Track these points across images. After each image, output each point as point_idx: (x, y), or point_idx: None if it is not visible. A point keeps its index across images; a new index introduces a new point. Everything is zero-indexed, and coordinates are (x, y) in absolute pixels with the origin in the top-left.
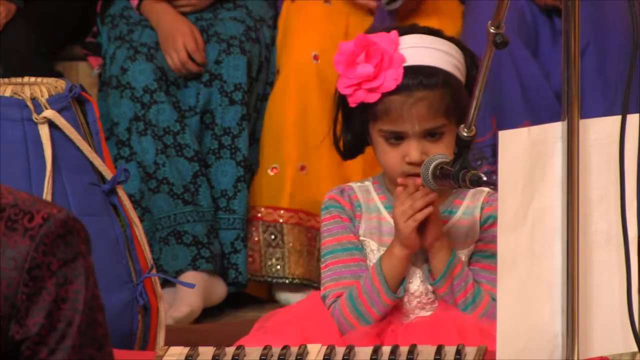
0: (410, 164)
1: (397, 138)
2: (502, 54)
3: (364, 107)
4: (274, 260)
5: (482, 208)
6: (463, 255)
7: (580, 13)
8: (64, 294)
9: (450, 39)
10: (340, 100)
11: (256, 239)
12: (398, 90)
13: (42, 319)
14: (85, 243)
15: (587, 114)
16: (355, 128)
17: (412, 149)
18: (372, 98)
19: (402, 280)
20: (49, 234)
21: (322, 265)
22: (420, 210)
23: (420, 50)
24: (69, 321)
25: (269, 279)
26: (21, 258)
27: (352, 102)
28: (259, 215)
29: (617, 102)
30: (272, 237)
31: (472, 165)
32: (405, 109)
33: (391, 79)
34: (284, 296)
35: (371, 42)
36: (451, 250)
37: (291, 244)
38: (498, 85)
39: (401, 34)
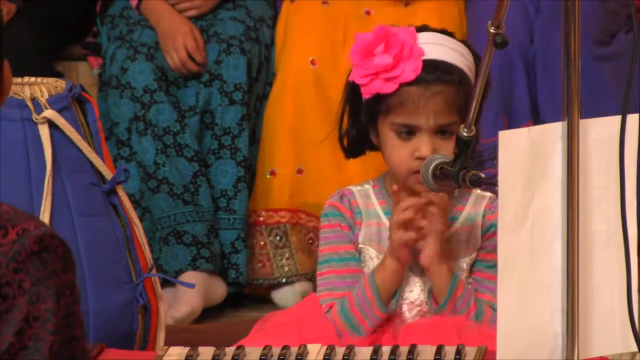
0: (419, 159)
1: (409, 133)
2: (512, 54)
3: (377, 99)
4: (284, 260)
5: (484, 215)
6: (464, 263)
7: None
8: (36, 313)
9: (461, 41)
10: (351, 93)
11: (262, 243)
12: (415, 82)
13: (11, 337)
14: (62, 261)
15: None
16: (362, 124)
17: (424, 144)
18: (389, 88)
19: (394, 293)
20: (21, 251)
21: (317, 273)
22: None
23: (438, 47)
24: (40, 340)
25: (283, 280)
26: None
27: (367, 93)
28: (261, 219)
29: (588, 107)
30: (278, 238)
31: (485, 164)
32: (422, 102)
33: (410, 70)
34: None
35: (391, 33)
36: (451, 272)
37: (295, 243)
38: (509, 85)
39: (417, 31)
